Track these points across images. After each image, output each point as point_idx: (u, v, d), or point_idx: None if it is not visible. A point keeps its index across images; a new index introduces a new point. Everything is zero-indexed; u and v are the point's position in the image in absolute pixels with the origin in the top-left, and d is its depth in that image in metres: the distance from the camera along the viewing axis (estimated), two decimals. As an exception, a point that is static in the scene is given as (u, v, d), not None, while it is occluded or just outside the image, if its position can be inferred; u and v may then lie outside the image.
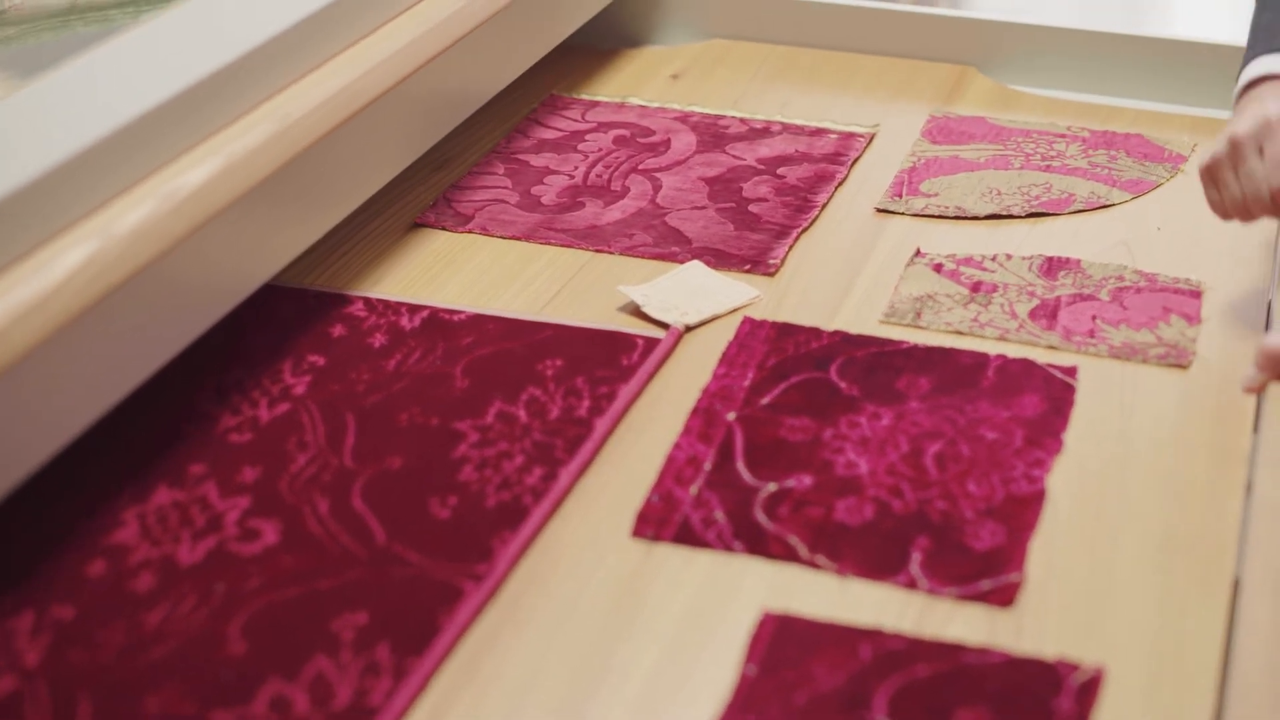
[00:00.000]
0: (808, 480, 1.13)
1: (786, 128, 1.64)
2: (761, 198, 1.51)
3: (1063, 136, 1.61)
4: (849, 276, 1.38)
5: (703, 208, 1.49)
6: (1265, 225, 1.44)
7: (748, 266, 1.39)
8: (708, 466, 1.14)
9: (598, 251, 1.43)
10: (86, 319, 1.05)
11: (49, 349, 1.02)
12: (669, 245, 1.43)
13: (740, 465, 1.14)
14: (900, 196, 1.51)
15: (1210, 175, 1.26)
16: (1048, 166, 1.55)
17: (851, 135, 1.63)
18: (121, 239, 1.08)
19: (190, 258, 1.15)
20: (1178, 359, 1.25)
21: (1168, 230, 1.44)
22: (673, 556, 1.07)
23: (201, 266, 1.17)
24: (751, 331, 1.29)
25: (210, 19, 1.30)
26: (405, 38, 1.39)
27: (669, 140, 1.62)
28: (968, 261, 1.38)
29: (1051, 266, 1.37)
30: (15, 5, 1.49)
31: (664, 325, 1.31)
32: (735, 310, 1.33)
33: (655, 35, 1.90)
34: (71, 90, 1.18)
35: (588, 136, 1.64)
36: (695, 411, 1.20)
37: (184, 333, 1.17)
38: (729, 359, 1.26)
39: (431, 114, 1.47)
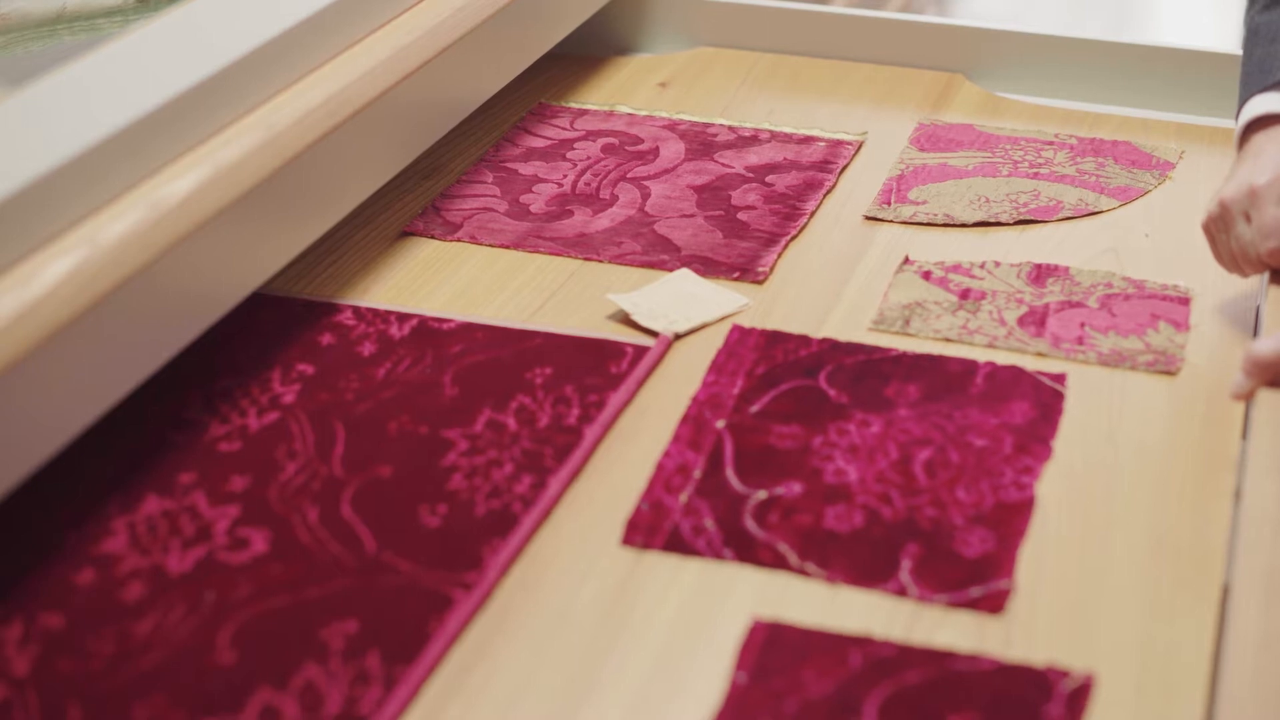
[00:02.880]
0: (797, 488, 1.13)
1: (775, 135, 1.64)
2: (750, 205, 1.51)
3: (1050, 144, 1.61)
4: (838, 284, 1.38)
5: (691, 215, 1.49)
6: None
7: (736, 274, 1.40)
8: (697, 474, 1.14)
9: (586, 260, 1.42)
10: (73, 328, 1.05)
11: (36, 358, 1.02)
12: (658, 253, 1.43)
13: (730, 473, 1.14)
14: (889, 204, 1.51)
15: (1207, 232, 1.31)
16: (1036, 174, 1.55)
17: (840, 143, 1.63)
18: (108, 248, 1.08)
19: (177, 267, 1.15)
20: (1166, 366, 1.26)
21: (1156, 237, 1.45)
22: (662, 564, 1.07)
23: (188, 275, 1.17)
24: (740, 339, 1.29)
25: (197, 28, 1.30)
26: (391, 47, 1.39)
27: (657, 148, 1.62)
28: (956, 269, 1.38)
29: (1040, 274, 1.37)
30: (2, 15, 1.49)
31: (653, 333, 1.31)
32: (724, 318, 1.33)
33: (643, 43, 1.90)
34: (59, 99, 1.18)
35: (576, 145, 1.64)
36: (684, 419, 1.20)
37: (171, 341, 1.17)
38: (718, 367, 1.26)
39: (418, 123, 1.47)
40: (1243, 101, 1.33)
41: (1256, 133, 1.30)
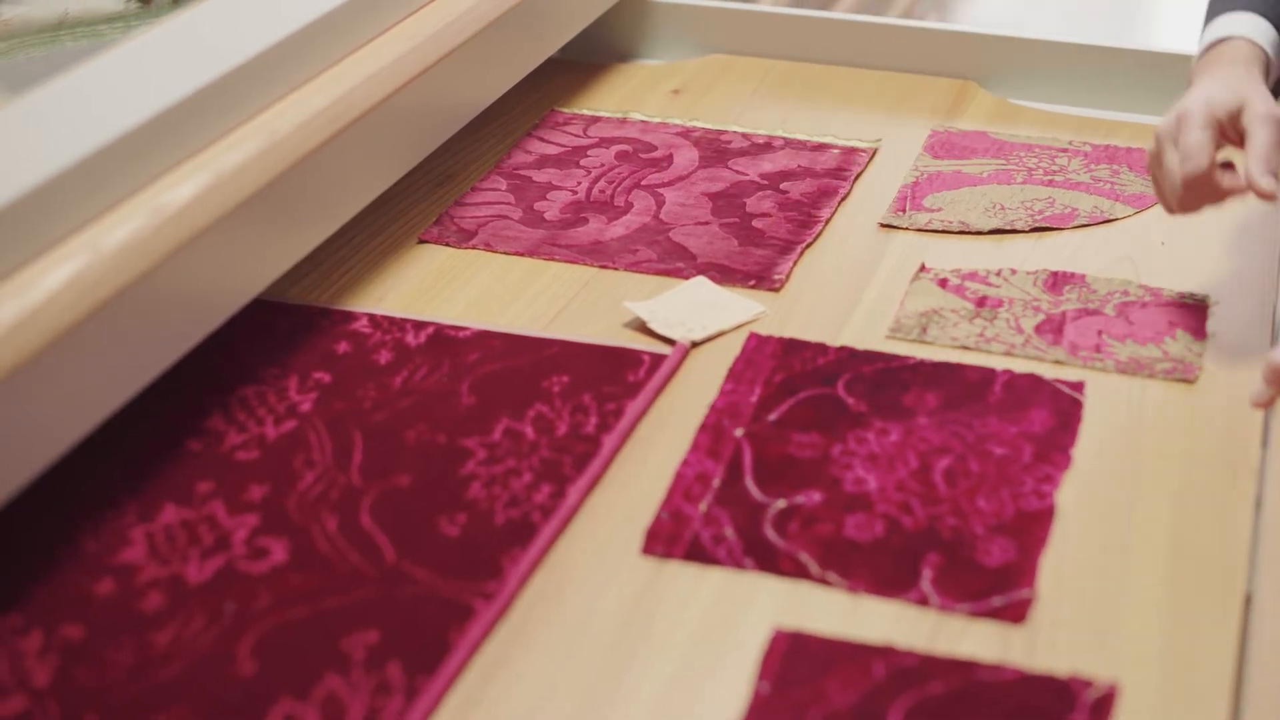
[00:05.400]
0: (817, 497, 1.13)
1: (789, 143, 1.64)
2: (765, 213, 1.50)
3: (1065, 151, 1.61)
4: (854, 292, 1.38)
5: (706, 223, 1.49)
6: (1272, 239, 1.44)
7: (752, 282, 1.39)
8: (716, 483, 1.14)
9: (602, 267, 1.42)
10: (75, 334, 1.05)
11: (38, 364, 1.02)
12: (673, 261, 1.43)
13: (749, 482, 1.14)
14: (904, 211, 1.50)
15: (1150, 173, 1.30)
16: (1050, 181, 1.55)
17: (854, 150, 1.63)
18: (110, 254, 1.08)
19: (179, 273, 1.15)
20: (1184, 374, 1.25)
21: (1172, 244, 1.44)
22: (683, 574, 1.07)
23: (190, 282, 1.17)
24: (758, 347, 1.29)
25: (200, 34, 1.30)
26: (393, 53, 1.39)
27: (671, 155, 1.62)
28: (972, 276, 1.38)
29: (1056, 281, 1.37)
30: (4, 20, 1.49)
31: (670, 341, 1.30)
32: (741, 326, 1.33)
33: (655, 50, 1.90)
34: (60, 105, 1.18)
35: (590, 152, 1.63)
36: (703, 428, 1.20)
37: (173, 348, 1.17)
38: (736, 375, 1.26)
39: (421, 129, 1.47)
40: (1205, 24, 1.36)
41: (1211, 51, 1.33)
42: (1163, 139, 1.26)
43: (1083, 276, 1.38)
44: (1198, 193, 1.24)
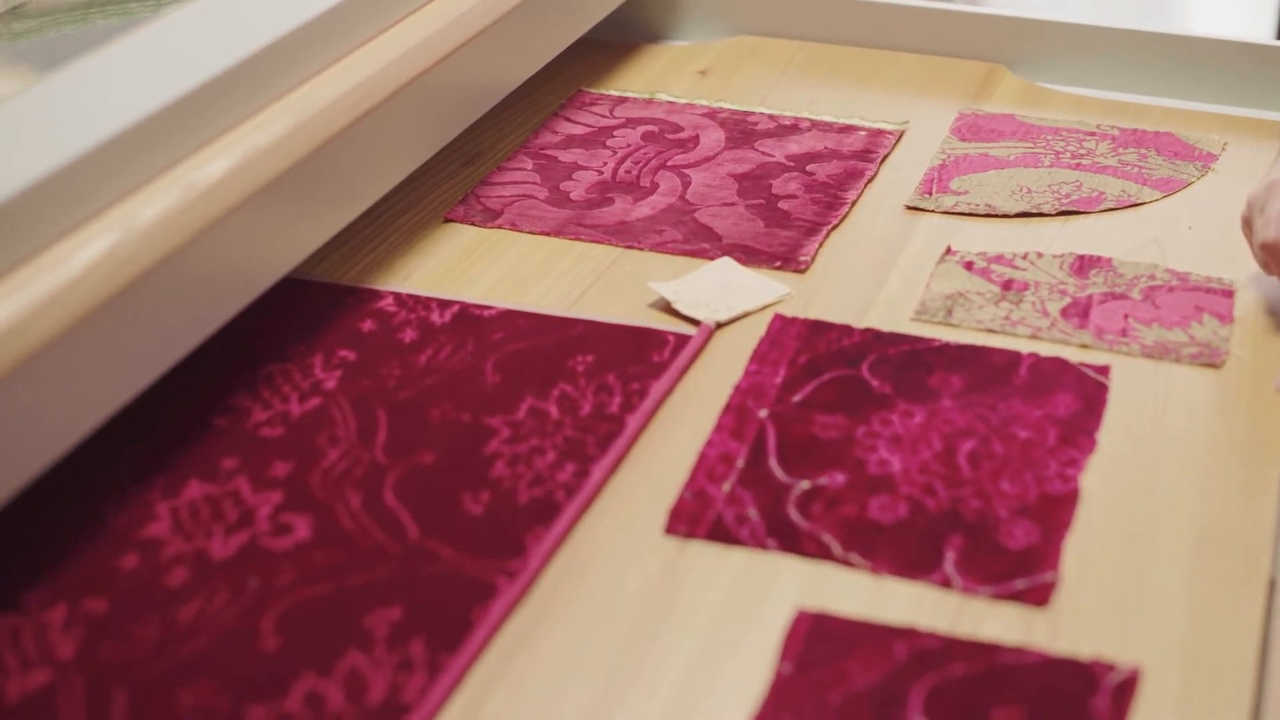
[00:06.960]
0: (841, 478, 1.12)
1: (815, 124, 1.64)
2: (791, 194, 1.50)
3: (1092, 134, 1.61)
4: (880, 274, 1.38)
5: (732, 204, 1.49)
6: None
7: (778, 263, 1.39)
8: (740, 464, 1.14)
9: (627, 248, 1.42)
10: (108, 310, 1.05)
11: (69, 341, 1.02)
12: (699, 242, 1.43)
13: (773, 462, 1.14)
14: (930, 194, 1.50)
15: (1243, 232, 1.32)
16: (1078, 164, 1.55)
17: (880, 132, 1.62)
18: (142, 231, 1.08)
19: (210, 250, 1.15)
20: (1210, 358, 1.25)
21: (1199, 229, 1.44)
22: (706, 554, 1.07)
23: (221, 259, 1.17)
24: (783, 328, 1.29)
25: (231, 11, 1.30)
26: (425, 32, 1.39)
27: (697, 136, 1.62)
28: (999, 259, 1.38)
29: (1083, 265, 1.37)
30: (36, -2, 1.49)
31: (695, 322, 1.30)
32: (766, 307, 1.33)
33: (682, 31, 1.89)
34: (91, 83, 1.18)
35: (616, 132, 1.63)
36: (727, 408, 1.20)
37: (204, 324, 1.17)
38: (760, 356, 1.26)
39: (451, 108, 1.47)
40: None
41: None
42: (1252, 204, 1.29)
43: (1109, 260, 1.37)
44: (1277, 258, 1.26)
